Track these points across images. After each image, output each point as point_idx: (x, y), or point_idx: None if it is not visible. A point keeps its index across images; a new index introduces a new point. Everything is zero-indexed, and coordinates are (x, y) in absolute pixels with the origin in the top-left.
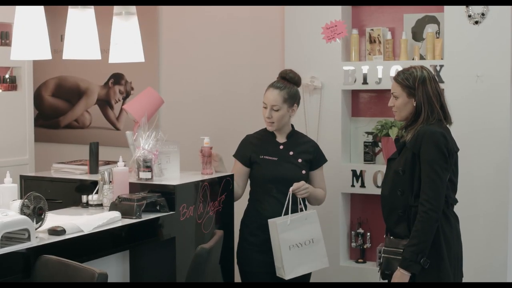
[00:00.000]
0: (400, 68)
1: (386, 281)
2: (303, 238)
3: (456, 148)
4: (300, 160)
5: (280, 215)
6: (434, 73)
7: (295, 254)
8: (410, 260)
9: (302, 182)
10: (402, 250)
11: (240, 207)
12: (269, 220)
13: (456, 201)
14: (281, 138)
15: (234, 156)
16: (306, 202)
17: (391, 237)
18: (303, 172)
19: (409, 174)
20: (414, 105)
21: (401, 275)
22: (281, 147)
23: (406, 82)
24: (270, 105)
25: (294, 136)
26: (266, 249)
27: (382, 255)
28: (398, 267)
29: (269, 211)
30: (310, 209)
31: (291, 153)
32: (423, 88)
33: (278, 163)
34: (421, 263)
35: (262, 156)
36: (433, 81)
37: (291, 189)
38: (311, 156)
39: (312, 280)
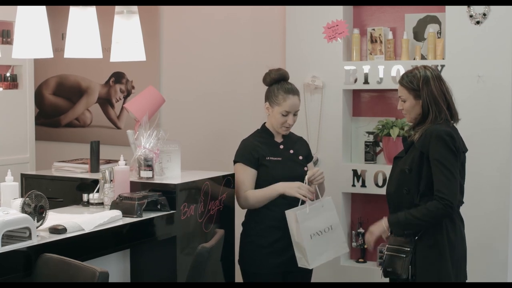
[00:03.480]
0: (401, 68)
1: (388, 279)
2: (322, 226)
3: (464, 148)
4: (300, 158)
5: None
6: None
7: (317, 242)
8: (398, 223)
9: (317, 169)
10: (405, 249)
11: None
12: (286, 212)
13: (462, 203)
14: (278, 138)
15: (240, 161)
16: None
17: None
18: (305, 169)
19: (416, 173)
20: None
21: (379, 224)
22: (281, 146)
23: (411, 85)
24: (294, 111)
25: (287, 134)
26: (274, 250)
27: (385, 252)
28: (385, 218)
29: (277, 211)
30: (325, 197)
31: (291, 151)
32: (427, 88)
33: (283, 163)
34: (404, 232)
35: (268, 158)
36: (437, 80)
37: (306, 177)
38: (307, 152)
39: (312, 280)
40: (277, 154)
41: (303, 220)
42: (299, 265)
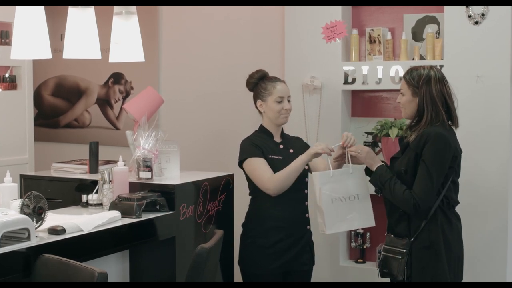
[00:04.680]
0: (400, 69)
1: (388, 280)
2: (347, 193)
3: (460, 151)
4: None
5: (290, 214)
6: None
7: (338, 208)
8: (379, 180)
9: (346, 133)
10: (400, 250)
11: (240, 206)
12: (313, 173)
13: (457, 202)
14: (277, 138)
15: (248, 156)
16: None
17: (392, 236)
18: (306, 167)
19: (411, 174)
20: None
21: (374, 161)
22: (281, 146)
23: (412, 81)
24: (287, 96)
25: (284, 134)
26: (276, 251)
27: (382, 253)
28: (380, 166)
29: (279, 211)
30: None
31: (291, 151)
32: (426, 88)
33: (284, 162)
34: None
35: (270, 156)
36: (440, 82)
37: (342, 144)
38: (305, 151)
39: (312, 280)
40: (278, 153)
41: (325, 183)
42: (320, 231)
